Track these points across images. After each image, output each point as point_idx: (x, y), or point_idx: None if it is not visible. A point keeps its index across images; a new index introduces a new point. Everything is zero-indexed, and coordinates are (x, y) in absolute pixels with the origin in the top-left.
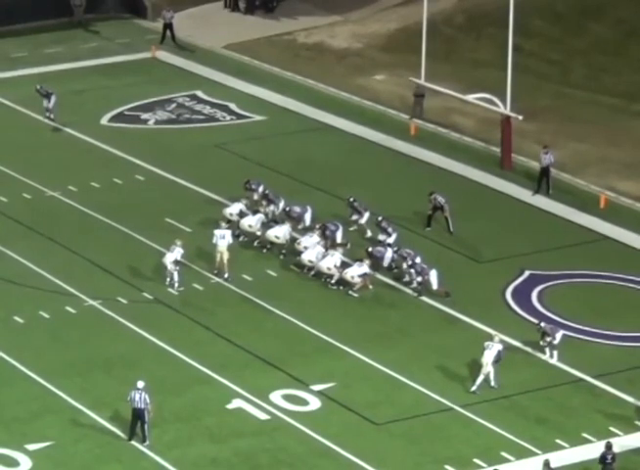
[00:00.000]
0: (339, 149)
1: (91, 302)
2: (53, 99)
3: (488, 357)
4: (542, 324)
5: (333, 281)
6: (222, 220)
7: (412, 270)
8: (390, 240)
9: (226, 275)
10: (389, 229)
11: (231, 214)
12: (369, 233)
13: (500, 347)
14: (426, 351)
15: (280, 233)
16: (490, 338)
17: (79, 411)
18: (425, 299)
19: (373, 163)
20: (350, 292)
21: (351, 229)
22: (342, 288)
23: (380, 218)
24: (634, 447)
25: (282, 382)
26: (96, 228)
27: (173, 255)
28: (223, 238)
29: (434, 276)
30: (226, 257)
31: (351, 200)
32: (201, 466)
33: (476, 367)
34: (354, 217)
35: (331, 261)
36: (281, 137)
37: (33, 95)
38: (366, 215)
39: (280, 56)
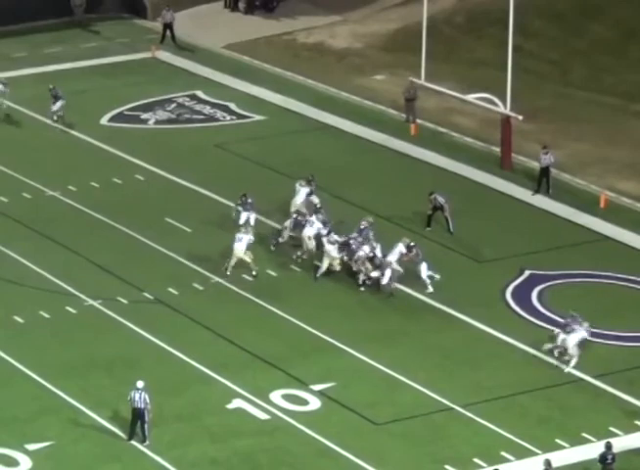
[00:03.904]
0: (339, 149)
1: (91, 302)
2: (58, 104)
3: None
4: (558, 335)
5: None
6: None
7: (369, 265)
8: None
9: (228, 273)
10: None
11: (309, 237)
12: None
13: (585, 333)
14: (426, 351)
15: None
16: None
17: (79, 411)
18: (425, 299)
19: (373, 163)
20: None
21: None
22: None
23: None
24: (634, 448)
25: (282, 382)
26: (96, 228)
27: (242, 244)
28: (240, 241)
29: (424, 269)
30: (237, 258)
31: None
32: (200, 466)
33: (476, 367)
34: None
35: (310, 231)
36: (281, 137)
37: (34, 95)
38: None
39: (280, 56)
